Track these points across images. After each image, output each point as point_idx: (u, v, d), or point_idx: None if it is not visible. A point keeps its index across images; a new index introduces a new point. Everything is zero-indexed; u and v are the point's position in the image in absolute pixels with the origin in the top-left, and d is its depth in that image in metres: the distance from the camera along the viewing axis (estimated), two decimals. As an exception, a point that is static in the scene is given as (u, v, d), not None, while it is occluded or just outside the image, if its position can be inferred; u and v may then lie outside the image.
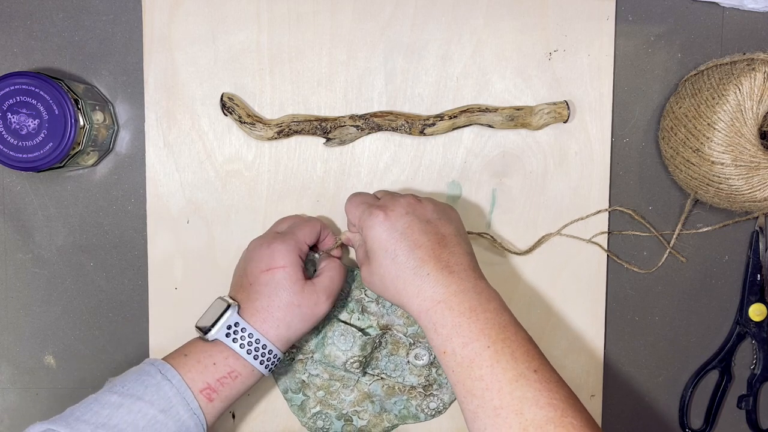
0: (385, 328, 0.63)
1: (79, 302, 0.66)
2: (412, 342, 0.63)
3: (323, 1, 0.63)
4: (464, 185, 0.65)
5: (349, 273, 0.63)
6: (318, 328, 0.63)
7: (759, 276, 0.66)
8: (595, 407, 0.66)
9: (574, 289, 0.65)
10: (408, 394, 0.64)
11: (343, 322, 0.62)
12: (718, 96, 0.57)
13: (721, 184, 0.58)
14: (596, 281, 0.65)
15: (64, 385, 0.66)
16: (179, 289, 0.65)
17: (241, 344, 0.55)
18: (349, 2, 0.63)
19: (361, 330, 0.62)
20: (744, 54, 0.60)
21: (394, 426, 0.65)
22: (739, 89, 0.57)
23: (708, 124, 0.57)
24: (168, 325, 0.65)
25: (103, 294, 0.66)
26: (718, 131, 0.57)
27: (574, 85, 0.64)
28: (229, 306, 0.57)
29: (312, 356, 0.63)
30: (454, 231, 0.55)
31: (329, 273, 0.59)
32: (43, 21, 0.64)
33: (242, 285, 0.58)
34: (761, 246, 0.66)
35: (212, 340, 0.56)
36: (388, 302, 0.63)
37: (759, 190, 0.57)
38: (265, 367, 0.57)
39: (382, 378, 0.64)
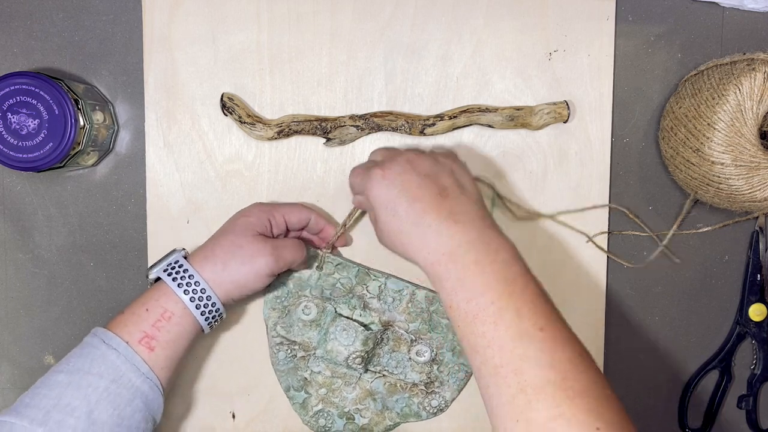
0: (387, 325, 0.63)
1: (79, 302, 0.66)
2: (414, 338, 0.63)
3: (323, 1, 0.63)
4: (464, 185, 0.65)
5: (351, 269, 0.63)
6: (320, 324, 0.63)
7: (759, 276, 0.66)
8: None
9: (573, 289, 0.65)
10: (410, 392, 0.64)
11: (345, 317, 0.62)
12: (718, 96, 0.57)
13: (721, 184, 0.58)
14: (596, 281, 0.65)
15: (64, 385, 0.66)
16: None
17: (173, 277, 0.56)
18: (349, 2, 0.63)
19: (363, 325, 0.62)
20: (744, 54, 0.60)
21: (396, 424, 0.65)
22: (739, 89, 0.57)
23: (708, 124, 0.57)
24: (168, 325, 0.65)
25: (103, 294, 0.66)
26: (718, 131, 0.57)
27: (574, 85, 0.64)
28: (174, 250, 0.58)
29: (314, 353, 0.64)
30: (455, 182, 0.54)
31: (289, 240, 0.60)
32: (43, 21, 0.64)
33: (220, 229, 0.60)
34: (761, 246, 0.66)
35: (153, 280, 0.57)
36: (389, 298, 0.63)
37: (759, 190, 0.57)
38: (197, 308, 0.56)
39: (383, 375, 0.64)
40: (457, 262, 0.50)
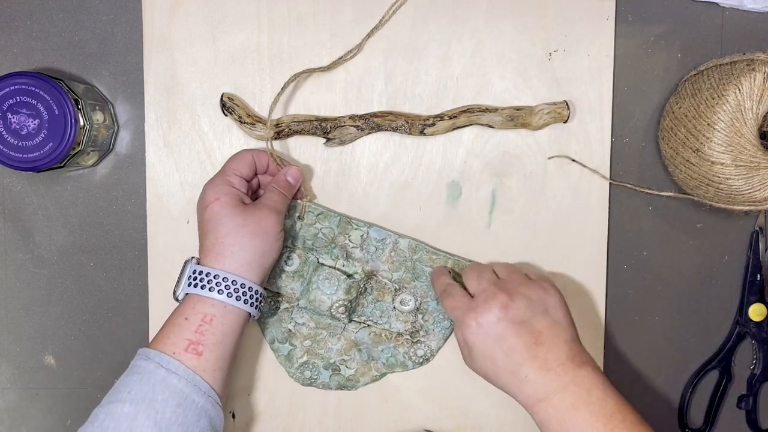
0: (370, 274, 0.63)
1: (79, 302, 0.66)
2: (398, 287, 0.63)
3: (323, 1, 0.63)
4: (464, 185, 0.65)
5: (332, 218, 0.63)
6: (303, 274, 0.62)
7: (759, 276, 0.66)
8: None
9: (574, 289, 0.65)
10: (395, 342, 0.64)
11: (328, 266, 0.62)
12: (718, 96, 0.57)
13: (720, 184, 0.58)
14: (596, 281, 0.65)
15: (64, 385, 0.66)
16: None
17: (202, 286, 0.55)
18: (349, 2, 0.63)
19: (346, 275, 0.62)
20: (744, 54, 0.60)
21: (382, 374, 0.65)
22: (739, 89, 0.57)
23: (708, 124, 0.57)
24: (168, 325, 0.65)
25: (103, 294, 0.66)
26: (718, 131, 0.57)
27: (574, 85, 0.64)
28: (186, 262, 0.58)
29: (297, 304, 0.63)
30: (550, 322, 0.55)
31: (268, 193, 0.59)
32: (43, 21, 0.64)
33: (199, 239, 0.59)
34: (761, 246, 0.66)
35: (183, 298, 0.56)
36: (372, 247, 0.63)
37: (759, 190, 0.57)
38: (237, 299, 0.55)
39: (368, 325, 0.64)
40: (555, 407, 0.53)
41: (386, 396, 0.66)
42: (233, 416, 0.66)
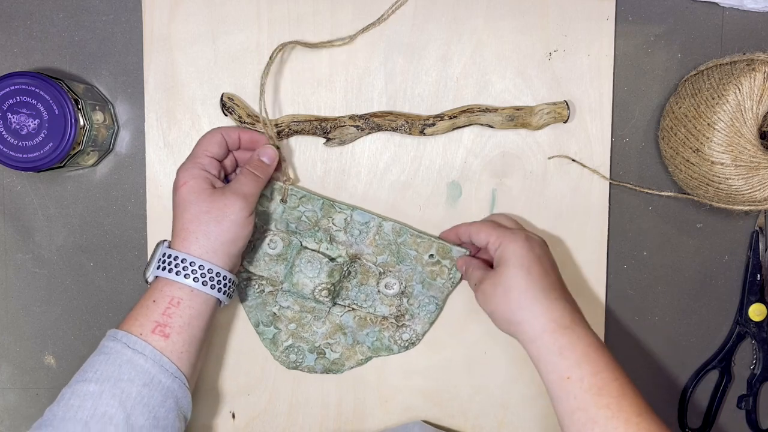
0: (354, 258, 0.63)
1: (79, 302, 0.66)
2: (382, 271, 0.63)
3: (323, 1, 0.63)
4: (464, 185, 0.65)
5: (316, 201, 0.63)
6: (287, 258, 0.62)
7: (759, 276, 0.66)
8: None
9: (574, 289, 0.65)
10: (380, 325, 0.64)
11: (311, 250, 0.62)
12: (718, 96, 0.57)
13: (721, 184, 0.58)
14: (596, 281, 0.65)
15: (64, 385, 0.66)
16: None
17: (169, 269, 0.55)
18: (349, 2, 0.63)
19: (330, 258, 0.62)
20: (744, 54, 0.60)
21: (368, 358, 0.65)
22: (739, 89, 0.57)
23: (708, 124, 0.57)
24: (168, 325, 0.65)
25: (103, 294, 0.66)
26: (718, 131, 0.57)
27: (574, 85, 0.64)
28: (158, 245, 0.58)
29: (281, 287, 0.63)
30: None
31: (239, 176, 0.59)
32: (43, 21, 0.64)
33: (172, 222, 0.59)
34: (761, 246, 0.66)
35: (152, 280, 0.56)
36: (356, 231, 0.63)
37: (759, 190, 0.57)
38: (204, 284, 0.55)
39: (353, 309, 0.64)
40: (581, 338, 0.54)
41: (386, 396, 0.66)
42: (233, 416, 0.66)
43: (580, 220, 0.65)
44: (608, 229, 0.65)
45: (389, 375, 0.66)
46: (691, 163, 0.59)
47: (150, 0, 0.63)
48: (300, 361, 0.65)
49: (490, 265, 0.60)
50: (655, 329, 0.67)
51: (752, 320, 0.66)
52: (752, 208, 0.59)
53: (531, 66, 0.64)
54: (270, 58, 0.61)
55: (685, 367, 0.67)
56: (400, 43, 0.64)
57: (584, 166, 0.64)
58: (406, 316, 0.64)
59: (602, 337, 0.66)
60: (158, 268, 0.56)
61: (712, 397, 0.67)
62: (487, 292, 0.57)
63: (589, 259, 0.65)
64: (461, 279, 0.63)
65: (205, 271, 0.55)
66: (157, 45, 0.64)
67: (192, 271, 0.55)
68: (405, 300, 0.64)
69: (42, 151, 0.58)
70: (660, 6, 0.65)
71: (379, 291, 0.63)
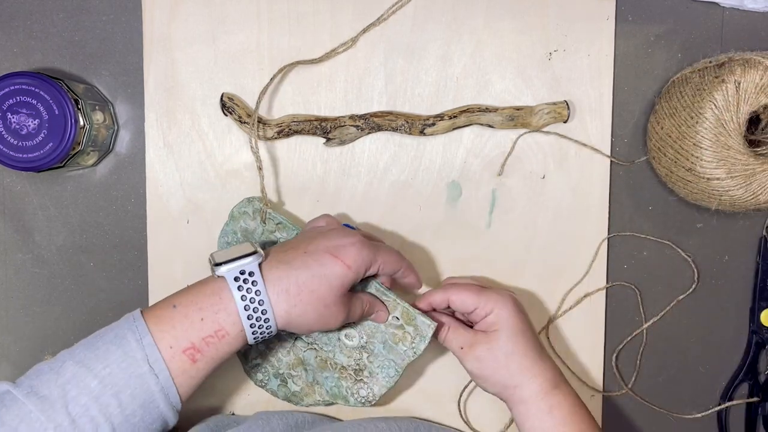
0: None
1: (79, 302, 0.66)
2: None
3: (323, 1, 0.63)
4: (464, 185, 0.65)
5: (291, 231, 0.60)
6: None
7: (770, 281, 0.66)
8: (595, 407, 0.66)
9: (574, 289, 0.65)
10: (339, 373, 0.61)
11: None
12: (696, 115, 0.57)
13: (722, 196, 0.58)
14: (596, 281, 0.65)
15: (64, 385, 0.66)
16: (179, 288, 0.65)
17: (243, 296, 0.51)
18: (349, 2, 0.63)
19: None
20: (709, 61, 0.59)
21: (327, 402, 0.63)
22: (715, 105, 0.56)
23: (693, 143, 0.57)
24: (168, 325, 0.65)
25: (103, 294, 0.66)
26: (705, 149, 0.57)
27: (574, 85, 0.64)
28: (255, 252, 0.52)
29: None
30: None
31: (364, 297, 0.57)
32: (43, 21, 0.64)
33: (295, 247, 0.54)
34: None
35: (216, 278, 0.52)
36: None
37: (760, 194, 0.57)
38: (254, 336, 0.52)
39: (314, 348, 0.62)
40: (567, 395, 0.58)
41: (386, 396, 0.66)
42: (233, 416, 0.66)
43: (580, 220, 0.65)
44: (608, 228, 0.65)
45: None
46: (688, 181, 0.59)
47: (150, 0, 0.63)
48: (265, 381, 0.64)
49: (469, 326, 0.61)
50: (655, 330, 0.67)
51: (765, 326, 0.66)
52: (758, 208, 0.59)
53: (531, 66, 0.64)
54: (270, 79, 0.61)
55: (685, 367, 0.67)
56: (400, 43, 0.64)
57: (585, 145, 0.64)
58: (365, 372, 0.61)
59: (602, 338, 0.66)
60: (235, 279, 0.51)
61: (747, 414, 0.67)
62: (482, 358, 0.58)
63: (589, 258, 0.65)
64: (422, 351, 0.59)
65: (267, 329, 0.52)
66: (157, 45, 0.64)
67: (257, 319, 0.51)
68: (365, 355, 0.61)
69: (42, 151, 0.58)
70: (660, 6, 0.65)
71: (339, 338, 0.61)
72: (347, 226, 0.59)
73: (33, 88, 0.57)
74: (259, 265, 0.52)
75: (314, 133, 0.63)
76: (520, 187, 0.65)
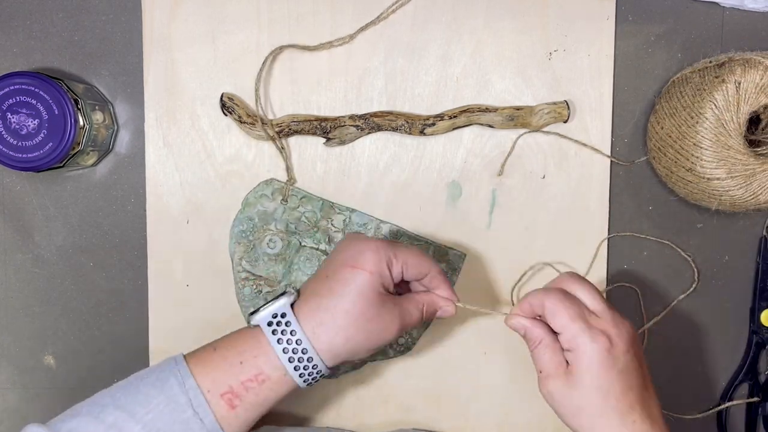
0: None
1: (79, 302, 0.66)
2: None
3: (323, 1, 0.63)
4: (464, 185, 0.65)
5: (315, 202, 0.62)
6: (285, 258, 0.62)
7: (770, 282, 0.65)
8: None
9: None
10: None
11: (309, 247, 0.62)
12: (696, 115, 0.57)
13: (722, 196, 0.58)
14: (596, 280, 0.65)
15: (64, 385, 0.66)
16: (179, 288, 0.65)
17: (279, 339, 0.49)
18: (349, 2, 0.63)
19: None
20: (710, 61, 0.59)
21: (363, 362, 0.64)
22: (715, 105, 0.56)
23: (694, 144, 0.57)
24: (168, 325, 0.65)
25: (103, 294, 0.66)
26: (706, 149, 0.57)
27: (574, 85, 0.64)
28: (284, 293, 0.51)
29: (279, 287, 0.63)
30: (648, 371, 0.52)
31: (412, 298, 0.53)
32: (43, 21, 0.64)
33: (318, 276, 0.52)
34: (771, 251, 0.65)
35: (253, 327, 0.51)
36: (354, 232, 0.60)
37: (760, 194, 0.57)
38: (302, 379, 0.50)
39: None
40: None
41: (386, 396, 0.66)
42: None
43: (580, 220, 0.65)
44: (608, 228, 0.65)
45: (389, 375, 0.66)
46: (688, 181, 0.59)
47: (150, 0, 0.63)
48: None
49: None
50: (655, 330, 0.67)
51: (765, 326, 0.66)
52: (759, 208, 0.59)
53: (531, 66, 0.64)
54: (265, 60, 0.61)
55: (685, 367, 0.67)
56: (400, 43, 0.64)
57: (585, 145, 0.64)
58: None
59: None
60: (269, 324, 0.50)
61: (747, 415, 0.67)
62: (555, 396, 0.50)
63: (589, 258, 0.65)
64: (455, 283, 0.59)
65: (312, 368, 0.50)
66: (157, 45, 0.64)
67: (300, 359, 0.49)
68: None
69: (41, 151, 0.58)
70: (660, 6, 0.65)
71: None
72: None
73: (33, 88, 0.57)
74: (293, 305, 0.51)
75: (314, 133, 0.63)
76: (520, 187, 0.65)
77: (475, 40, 0.64)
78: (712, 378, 0.67)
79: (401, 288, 0.56)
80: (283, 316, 0.50)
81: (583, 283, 0.52)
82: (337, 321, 0.50)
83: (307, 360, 0.49)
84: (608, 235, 0.65)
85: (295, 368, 0.49)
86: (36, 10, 0.64)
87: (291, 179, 0.63)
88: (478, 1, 0.64)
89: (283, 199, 0.62)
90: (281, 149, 0.61)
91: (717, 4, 0.64)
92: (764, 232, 0.66)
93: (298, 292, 0.53)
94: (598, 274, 0.65)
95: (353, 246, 0.52)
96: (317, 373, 0.50)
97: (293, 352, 0.49)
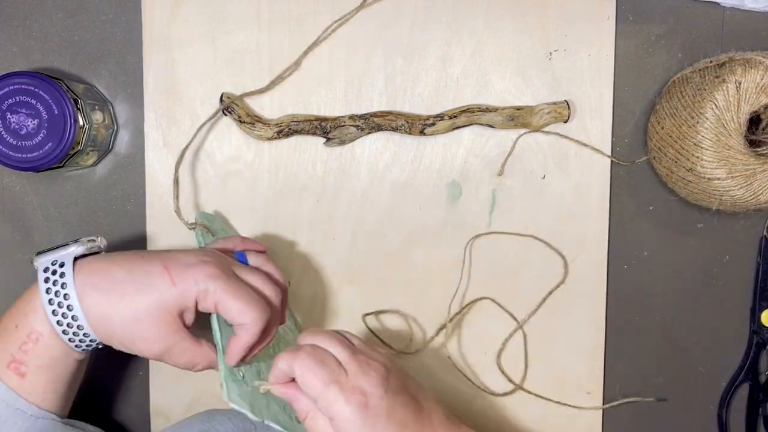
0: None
1: (78, 302, 0.66)
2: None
3: (323, 1, 0.63)
4: (464, 185, 0.65)
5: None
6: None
7: (771, 281, 0.65)
8: (594, 406, 0.66)
9: (574, 289, 0.65)
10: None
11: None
12: (697, 115, 0.57)
13: (722, 196, 0.58)
14: (596, 280, 0.65)
15: (63, 385, 0.66)
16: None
17: (48, 289, 0.45)
18: (349, 2, 0.63)
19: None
20: (710, 61, 0.59)
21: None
22: (716, 105, 0.56)
23: (694, 143, 0.57)
24: (168, 325, 0.65)
25: (102, 294, 0.66)
26: (706, 149, 0.57)
27: (574, 85, 0.64)
28: (77, 241, 0.48)
29: None
30: (415, 384, 0.50)
31: (197, 356, 0.49)
32: (43, 21, 0.64)
33: (143, 252, 0.49)
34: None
35: (36, 267, 0.47)
36: None
37: (761, 194, 0.57)
38: (68, 338, 0.46)
39: None
40: None
41: None
42: (233, 416, 0.66)
43: (580, 220, 0.65)
44: (608, 229, 0.65)
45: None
46: (689, 181, 0.59)
47: (150, 0, 0.63)
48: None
49: None
50: (656, 330, 0.67)
51: (765, 326, 0.66)
52: (759, 208, 0.59)
53: (531, 66, 0.64)
54: (209, 118, 0.59)
55: (686, 367, 0.67)
56: (400, 43, 0.64)
57: (585, 145, 0.64)
58: None
59: (603, 338, 0.66)
60: (44, 270, 0.46)
61: (747, 415, 0.66)
62: None
63: (589, 259, 0.65)
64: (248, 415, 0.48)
65: (82, 334, 0.46)
66: (157, 45, 0.64)
67: (64, 314, 0.45)
68: None
69: (41, 151, 0.58)
70: (660, 6, 0.65)
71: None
72: (239, 256, 0.53)
73: (32, 88, 0.57)
74: (80, 258, 0.47)
75: (314, 133, 0.63)
76: (520, 187, 0.65)
77: (475, 40, 0.64)
78: (712, 378, 0.67)
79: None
80: (61, 265, 0.46)
81: (327, 336, 0.48)
82: (112, 294, 0.45)
83: (72, 318, 0.46)
84: (608, 235, 0.65)
85: (58, 323, 0.46)
86: (36, 10, 0.64)
87: (191, 226, 0.57)
88: (478, 1, 0.64)
89: (209, 231, 0.58)
90: (175, 182, 0.57)
91: (717, 4, 0.64)
92: (764, 232, 0.65)
93: (101, 251, 0.49)
94: (598, 274, 0.65)
95: (193, 254, 0.48)
96: (85, 337, 0.46)
97: (59, 306, 0.45)
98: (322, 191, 0.65)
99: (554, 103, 0.63)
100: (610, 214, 0.65)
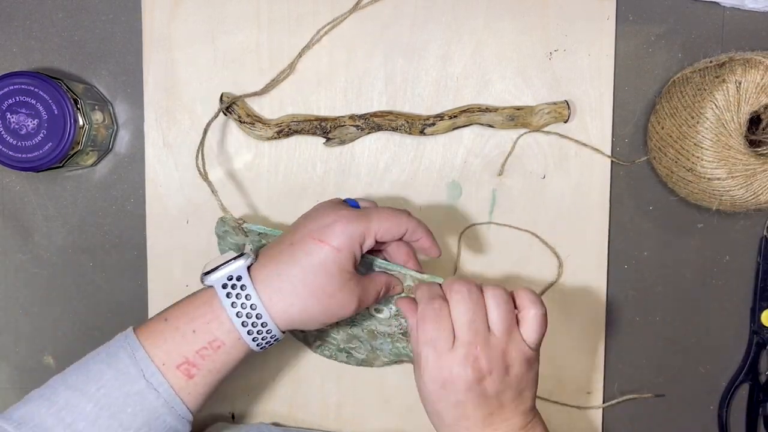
0: None
1: (78, 302, 0.66)
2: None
3: (323, 1, 0.63)
4: (464, 185, 0.65)
5: (272, 239, 0.57)
6: None
7: (771, 281, 0.65)
8: (594, 405, 0.66)
9: (574, 289, 0.65)
10: (390, 338, 0.60)
11: None
12: (697, 115, 0.57)
13: (722, 196, 0.58)
14: (596, 280, 0.65)
15: (63, 385, 0.66)
16: (179, 288, 0.65)
17: (233, 303, 0.48)
18: (349, 2, 0.63)
19: None
20: (710, 61, 0.59)
21: (393, 362, 0.63)
22: (716, 105, 0.56)
23: (694, 143, 0.57)
24: (168, 325, 0.65)
25: (102, 294, 0.66)
26: (706, 149, 0.57)
27: (574, 85, 0.64)
28: (242, 255, 0.50)
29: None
30: (515, 396, 0.50)
31: (375, 278, 0.52)
32: (43, 21, 0.64)
33: (282, 242, 0.51)
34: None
35: (206, 288, 0.50)
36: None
37: (761, 194, 0.57)
38: (256, 343, 0.49)
39: (356, 324, 0.60)
40: None
41: (387, 396, 0.66)
42: (233, 417, 0.66)
43: (580, 220, 0.65)
44: (608, 228, 0.65)
45: (389, 375, 0.66)
46: (689, 181, 0.59)
47: (150, 0, 0.63)
48: (335, 356, 0.64)
49: None
50: (656, 330, 0.67)
51: (765, 326, 0.66)
52: (759, 208, 0.59)
53: (531, 66, 0.64)
54: (204, 130, 0.59)
55: (686, 367, 0.67)
56: (400, 43, 0.64)
57: (585, 145, 0.64)
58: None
59: (603, 338, 0.66)
60: (224, 287, 0.49)
61: (747, 415, 0.66)
62: (416, 378, 0.51)
63: (589, 259, 0.65)
64: None
65: (267, 334, 0.49)
66: (157, 45, 0.64)
67: (254, 324, 0.48)
68: (402, 320, 0.59)
69: (41, 151, 0.58)
70: (660, 6, 0.65)
71: (371, 314, 0.59)
72: (349, 201, 0.55)
73: (32, 88, 0.57)
74: (250, 267, 0.50)
75: (314, 133, 0.63)
76: (520, 187, 0.65)
77: (475, 40, 0.64)
78: (712, 378, 0.67)
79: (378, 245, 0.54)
80: (239, 278, 0.49)
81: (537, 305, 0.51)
82: (296, 290, 0.49)
83: (261, 325, 0.49)
84: (608, 235, 0.65)
85: (248, 332, 0.49)
86: (36, 10, 0.64)
87: (235, 221, 0.57)
88: (478, 1, 0.64)
89: (244, 235, 0.58)
90: (214, 192, 0.58)
91: (717, 3, 0.64)
92: (765, 232, 0.65)
93: (257, 254, 0.51)
94: (598, 274, 0.65)
95: (323, 217, 0.50)
96: (271, 338, 0.50)
97: (247, 317, 0.48)
98: (322, 191, 0.65)
99: (554, 103, 0.63)
100: (610, 214, 0.65)
